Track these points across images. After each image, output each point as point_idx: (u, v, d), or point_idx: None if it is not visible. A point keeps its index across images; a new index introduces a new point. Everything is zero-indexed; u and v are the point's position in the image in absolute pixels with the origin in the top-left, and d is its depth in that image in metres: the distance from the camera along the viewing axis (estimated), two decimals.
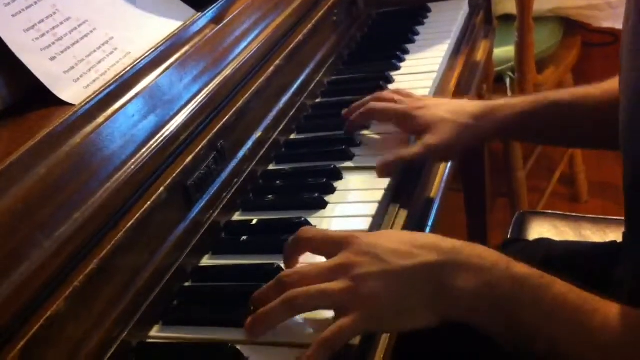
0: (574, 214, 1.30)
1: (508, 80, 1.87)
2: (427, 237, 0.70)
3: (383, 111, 1.00)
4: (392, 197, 0.90)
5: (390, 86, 1.17)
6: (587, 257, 0.95)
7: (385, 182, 0.91)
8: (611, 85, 0.92)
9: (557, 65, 1.99)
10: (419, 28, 1.38)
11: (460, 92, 1.26)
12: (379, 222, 0.86)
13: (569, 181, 2.25)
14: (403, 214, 0.88)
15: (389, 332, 0.72)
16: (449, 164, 1.06)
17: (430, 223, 0.94)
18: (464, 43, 1.37)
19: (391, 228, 0.86)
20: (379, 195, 0.88)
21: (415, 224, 0.90)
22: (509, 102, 0.97)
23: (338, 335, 0.64)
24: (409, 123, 0.97)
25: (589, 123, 0.93)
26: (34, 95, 0.73)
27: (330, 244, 0.70)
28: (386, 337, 0.73)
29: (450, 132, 0.93)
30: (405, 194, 0.92)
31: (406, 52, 1.29)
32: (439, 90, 1.17)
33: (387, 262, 0.66)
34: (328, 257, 0.70)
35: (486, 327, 0.66)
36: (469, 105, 0.97)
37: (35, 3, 0.78)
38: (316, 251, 0.72)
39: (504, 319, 0.64)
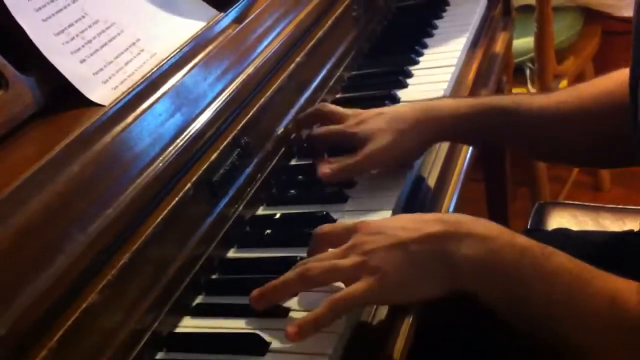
0: (593, 204, 1.31)
1: (528, 72, 1.88)
2: (432, 214, 0.74)
3: (324, 136, 0.98)
4: (410, 192, 0.92)
5: (410, 81, 1.19)
6: (602, 246, 0.97)
7: (404, 175, 0.93)
8: (563, 95, 0.92)
9: (577, 55, 1.99)
10: (438, 22, 1.39)
11: (479, 85, 1.28)
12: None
13: (591, 170, 2.25)
14: None
15: (396, 302, 0.75)
16: (467, 160, 1.07)
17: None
18: (483, 35, 1.38)
19: None
20: (399, 187, 0.91)
21: None
22: (449, 104, 0.95)
23: (347, 299, 0.67)
24: (350, 139, 0.94)
25: (528, 131, 0.93)
26: (66, 97, 0.76)
27: (343, 232, 0.74)
28: (406, 327, 0.76)
29: (389, 139, 0.91)
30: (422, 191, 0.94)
31: (425, 46, 1.30)
32: (458, 83, 1.18)
33: (394, 235, 0.69)
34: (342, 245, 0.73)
35: (488, 297, 0.68)
36: (408, 110, 0.95)
37: (65, 7, 0.81)
38: (332, 244, 0.75)
39: (506, 286, 0.67)
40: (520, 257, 0.66)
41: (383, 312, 0.76)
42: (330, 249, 0.74)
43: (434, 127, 0.93)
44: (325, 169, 0.92)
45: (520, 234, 0.69)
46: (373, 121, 0.94)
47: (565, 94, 0.94)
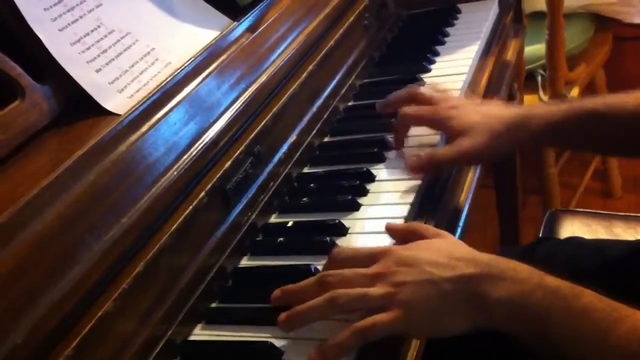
0: (605, 212, 1.31)
1: (539, 78, 1.87)
2: (463, 250, 0.73)
3: (416, 117, 0.99)
4: (422, 201, 0.92)
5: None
6: (616, 256, 0.96)
7: (417, 184, 0.93)
8: None
9: (589, 61, 1.99)
10: (449, 29, 1.39)
11: (490, 92, 1.28)
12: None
13: (603, 177, 2.25)
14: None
15: (421, 337, 0.75)
16: (477, 170, 1.07)
17: (460, 223, 0.96)
18: (494, 43, 1.38)
19: None
20: (411, 196, 0.91)
21: (444, 226, 0.92)
22: (544, 110, 0.95)
23: (372, 327, 0.67)
24: (442, 125, 0.97)
25: (623, 133, 0.92)
26: (81, 106, 0.77)
27: (367, 258, 0.73)
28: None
29: (483, 138, 0.92)
30: (433, 201, 0.94)
31: (436, 53, 1.31)
32: (469, 91, 1.18)
33: (426, 271, 0.69)
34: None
35: (518, 336, 0.68)
36: (504, 112, 0.96)
37: (81, 17, 0.82)
38: (353, 267, 0.74)
39: (536, 327, 0.66)
40: (550, 299, 0.66)
41: None
42: (357, 270, 0.73)
43: (526, 132, 0.93)
44: (413, 159, 0.93)
45: (548, 274, 0.68)
46: (467, 113, 0.95)
47: None
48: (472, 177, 1.05)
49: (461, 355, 0.91)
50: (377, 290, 0.69)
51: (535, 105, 1.01)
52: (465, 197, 1.02)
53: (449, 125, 0.95)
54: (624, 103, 0.91)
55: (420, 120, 1.00)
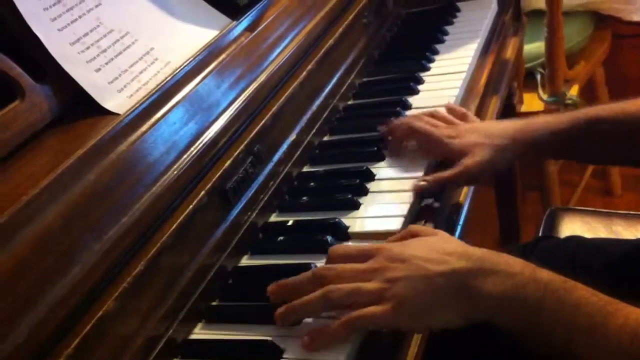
0: (605, 210, 1.30)
1: (539, 77, 1.87)
2: (455, 246, 0.74)
3: (420, 131, 0.99)
4: (422, 199, 0.92)
5: (421, 87, 1.19)
6: (616, 255, 0.96)
7: (416, 182, 0.93)
8: None
9: (588, 59, 1.99)
10: (448, 28, 1.39)
11: (490, 91, 1.28)
12: (410, 222, 0.88)
13: (603, 175, 2.25)
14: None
15: (413, 330, 0.75)
16: None
17: (460, 222, 0.96)
18: (493, 41, 1.38)
19: None
20: (410, 195, 0.91)
21: (444, 225, 0.92)
22: (545, 120, 0.96)
23: (364, 318, 0.68)
24: (440, 150, 0.97)
25: (627, 140, 0.93)
26: (81, 106, 0.77)
27: (361, 255, 0.74)
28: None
29: (486, 154, 0.93)
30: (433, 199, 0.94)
31: (436, 52, 1.31)
32: (468, 89, 1.19)
33: (418, 267, 0.70)
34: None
35: (509, 328, 0.68)
36: (503, 127, 0.97)
37: (80, 17, 0.82)
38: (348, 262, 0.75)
39: (528, 321, 0.67)
40: (543, 292, 0.67)
41: None
42: (351, 266, 0.73)
43: (530, 145, 0.95)
44: (420, 181, 0.93)
45: (542, 268, 0.69)
46: (469, 136, 0.96)
47: None
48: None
49: (463, 352, 0.91)
50: (370, 285, 0.70)
51: (535, 117, 1.01)
52: (465, 195, 1.03)
53: (448, 150, 0.96)
54: (625, 110, 0.92)
55: (422, 136, 0.99)
